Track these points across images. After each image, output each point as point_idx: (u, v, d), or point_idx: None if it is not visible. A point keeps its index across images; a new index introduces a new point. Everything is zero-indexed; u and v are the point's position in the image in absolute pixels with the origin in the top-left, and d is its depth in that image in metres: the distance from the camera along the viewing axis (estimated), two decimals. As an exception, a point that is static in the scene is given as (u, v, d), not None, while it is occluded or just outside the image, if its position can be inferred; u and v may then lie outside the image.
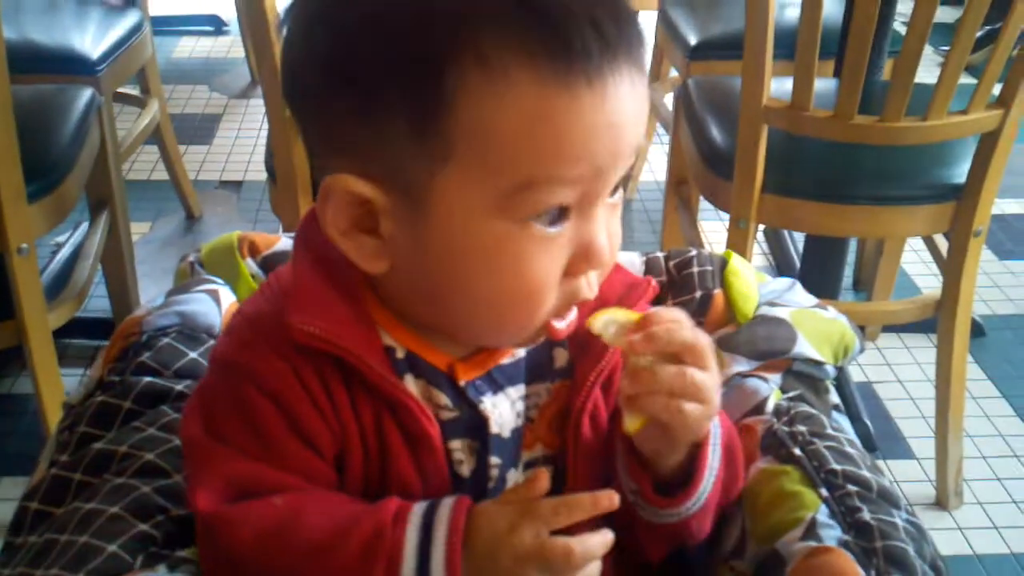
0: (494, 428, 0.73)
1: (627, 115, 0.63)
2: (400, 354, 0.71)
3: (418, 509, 0.66)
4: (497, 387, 0.74)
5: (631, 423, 0.68)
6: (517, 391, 0.75)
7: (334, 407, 0.68)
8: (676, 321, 0.69)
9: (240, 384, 0.68)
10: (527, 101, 0.60)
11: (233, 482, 0.67)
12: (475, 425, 0.72)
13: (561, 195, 0.63)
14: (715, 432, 0.73)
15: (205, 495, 0.67)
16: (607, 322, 0.69)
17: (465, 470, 0.73)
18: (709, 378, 0.68)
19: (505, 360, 0.74)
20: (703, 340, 0.68)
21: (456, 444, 0.72)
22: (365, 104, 0.63)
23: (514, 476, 0.74)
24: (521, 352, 0.75)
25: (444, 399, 0.72)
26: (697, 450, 0.71)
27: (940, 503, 1.79)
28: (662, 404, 0.67)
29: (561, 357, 0.77)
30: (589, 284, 0.68)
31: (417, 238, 0.65)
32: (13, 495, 1.72)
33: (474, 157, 0.61)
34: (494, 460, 0.73)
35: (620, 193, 0.68)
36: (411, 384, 0.71)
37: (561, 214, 0.64)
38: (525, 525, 0.63)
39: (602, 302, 0.73)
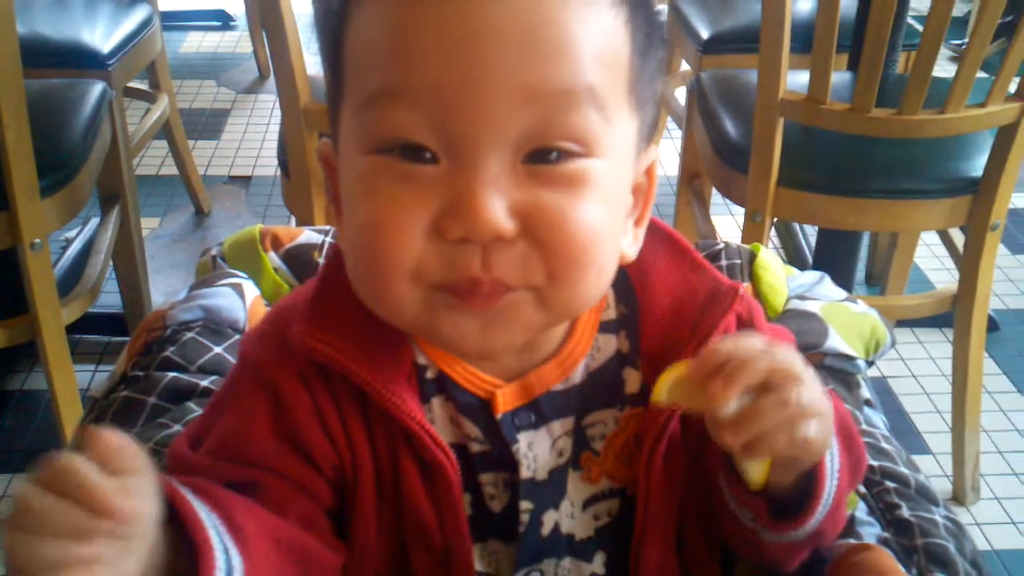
0: (525, 473, 0.66)
1: (485, 27, 0.53)
2: (431, 374, 0.66)
3: None
4: (541, 420, 0.66)
5: (756, 473, 0.59)
6: (563, 425, 0.67)
7: (342, 421, 0.64)
8: (745, 346, 0.57)
9: (244, 376, 0.65)
10: (377, 9, 0.57)
11: (208, 437, 0.64)
12: (507, 461, 0.66)
13: (404, 118, 0.55)
14: None
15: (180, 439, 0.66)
16: (671, 387, 0.59)
17: (496, 506, 0.67)
18: (811, 387, 0.58)
19: (557, 386, 0.67)
20: (782, 352, 0.58)
21: (487, 478, 0.66)
22: (326, 73, 0.63)
23: (553, 517, 0.68)
24: (576, 377, 0.67)
25: (475, 430, 0.66)
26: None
27: (957, 499, 1.78)
28: (784, 440, 0.56)
29: (633, 380, 0.68)
30: (483, 262, 0.55)
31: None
32: (27, 491, 1.71)
33: (348, 83, 0.59)
34: (524, 505, 0.67)
35: (580, 167, 0.56)
36: (438, 408, 0.66)
37: (421, 152, 0.55)
38: None
39: (679, 309, 0.66)
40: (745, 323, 0.69)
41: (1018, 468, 1.86)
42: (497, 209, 0.54)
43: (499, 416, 0.65)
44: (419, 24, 0.54)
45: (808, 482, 0.62)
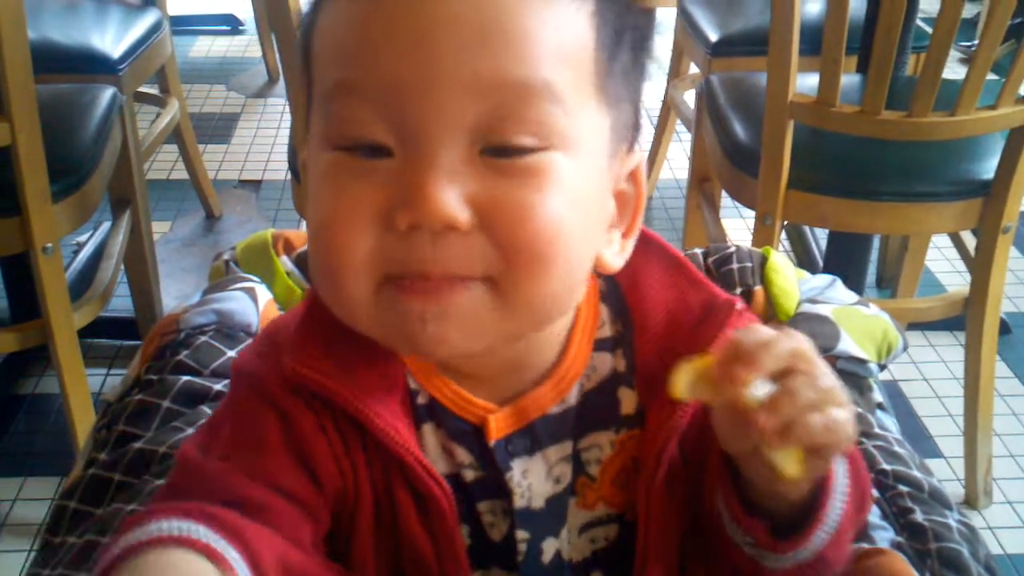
0: (519, 502, 0.64)
1: (440, 19, 0.52)
2: (422, 399, 0.64)
3: None
4: (536, 445, 0.64)
5: (791, 464, 0.54)
6: (559, 451, 0.65)
7: (344, 444, 0.62)
8: (762, 332, 0.55)
9: (245, 391, 0.63)
10: (338, 5, 0.56)
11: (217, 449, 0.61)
12: (502, 489, 0.65)
13: (360, 113, 0.54)
14: None
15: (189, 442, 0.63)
16: (689, 381, 0.55)
17: (496, 534, 0.65)
18: (832, 376, 0.55)
19: (553, 408, 0.64)
20: (801, 337, 0.55)
21: (484, 506, 0.65)
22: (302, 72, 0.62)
23: (554, 545, 0.66)
24: (571, 399, 0.65)
25: (467, 457, 0.64)
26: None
27: (969, 502, 1.77)
28: (820, 423, 0.53)
29: (629, 401, 0.66)
30: (433, 253, 0.54)
31: None
32: (39, 495, 1.72)
33: (315, 79, 0.59)
34: (521, 534, 0.65)
35: (540, 159, 0.55)
36: (429, 436, 0.64)
37: (378, 148, 0.55)
38: None
39: (673, 325, 0.64)
40: None
41: (1030, 471, 1.85)
42: (448, 196, 0.53)
43: (492, 443, 0.64)
44: (374, 18, 0.54)
45: (813, 497, 0.59)
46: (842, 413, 0.54)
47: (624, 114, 0.61)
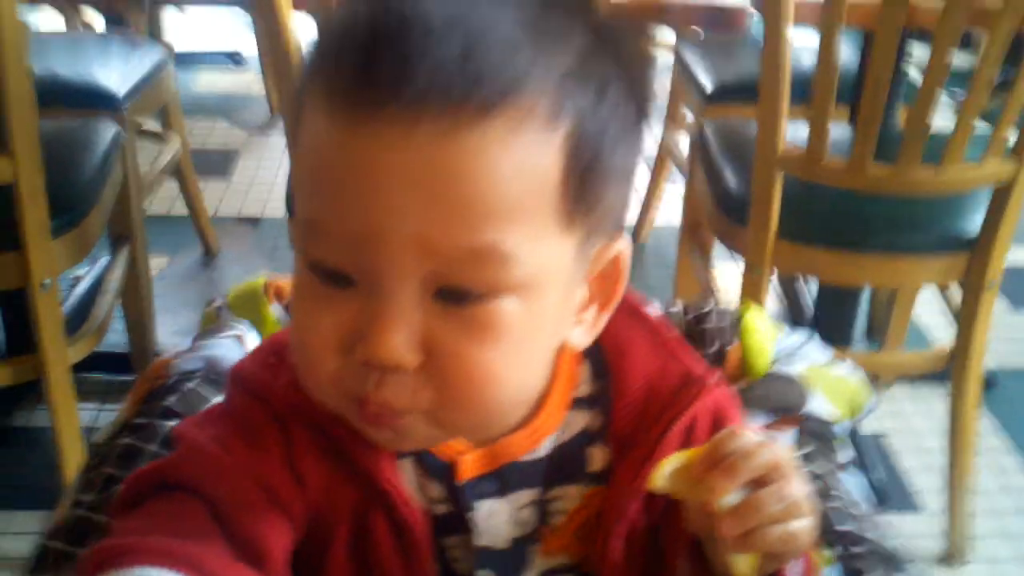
0: (481, 541, 0.67)
1: (391, 176, 0.53)
2: None
3: None
4: (504, 489, 0.68)
5: (745, 567, 0.59)
6: (527, 495, 0.68)
7: (332, 465, 0.65)
8: (745, 440, 0.59)
9: (247, 398, 0.66)
10: (308, 129, 0.58)
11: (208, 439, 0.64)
12: (466, 527, 0.67)
13: (322, 246, 0.57)
14: None
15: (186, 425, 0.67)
16: (670, 475, 0.60)
17: (462, 568, 0.68)
18: (803, 486, 0.60)
19: (525, 456, 0.67)
20: (780, 448, 0.60)
21: (450, 541, 0.68)
22: None
23: None
24: (542, 450, 0.68)
25: (439, 493, 0.67)
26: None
27: (950, 558, 1.77)
28: (777, 535, 0.58)
29: (597, 459, 0.69)
30: (375, 383, 0.58)
31: None
32: (28, 528, 1.72)
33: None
34: (482, 574, 0.68)
35: (488, 308, 0.57)
36: (407, 468, 0.67)
37: (340, 277, 0.58)
38: None
39: (652, 391, 0.68)
40: (717, 415, 0.69)
41: (1012, 529, 1.85)
42: (399, 342, 0.56)
43: (460, 483, 0.67)
44: (333, 164, 0.56)
45: None
46: (802, 525, 0.59)
47: (604, 212, 0.61)
